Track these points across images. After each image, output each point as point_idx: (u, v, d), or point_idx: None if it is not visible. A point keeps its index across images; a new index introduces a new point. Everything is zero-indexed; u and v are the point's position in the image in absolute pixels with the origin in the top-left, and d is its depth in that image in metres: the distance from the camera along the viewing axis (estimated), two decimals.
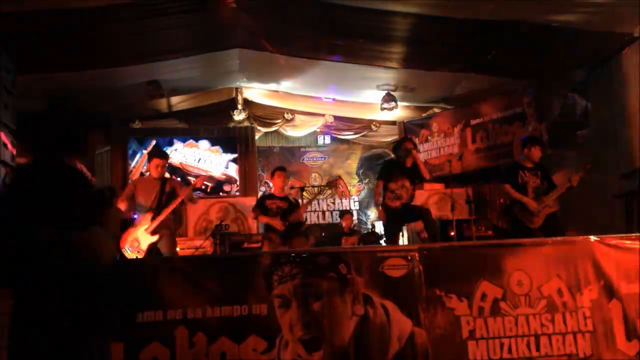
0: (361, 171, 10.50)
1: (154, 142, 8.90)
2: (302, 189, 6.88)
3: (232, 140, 9.41)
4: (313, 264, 3.33)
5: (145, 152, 8.64)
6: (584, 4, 5.28)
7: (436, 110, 9.11)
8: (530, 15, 5.50)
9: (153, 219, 4.91)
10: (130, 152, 8.97)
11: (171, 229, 5.13)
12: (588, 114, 6.50)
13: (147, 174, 5.36)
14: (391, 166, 5.72)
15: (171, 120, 9.54)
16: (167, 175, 5.46)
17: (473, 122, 8.21)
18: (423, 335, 3.29)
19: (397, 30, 6.15)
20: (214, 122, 9.68)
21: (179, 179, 5.37)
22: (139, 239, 4.90)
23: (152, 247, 4.89)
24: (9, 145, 5.76)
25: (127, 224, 5.26)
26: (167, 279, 3.22)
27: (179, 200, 5.00)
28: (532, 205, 4.99)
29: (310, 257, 3.37)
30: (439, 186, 8.72)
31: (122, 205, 5.07)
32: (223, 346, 3.13)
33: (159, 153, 5.42)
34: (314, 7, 5.85)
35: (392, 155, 5.74)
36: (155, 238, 4.90)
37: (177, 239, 5.70)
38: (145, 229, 4.90)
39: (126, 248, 4.92)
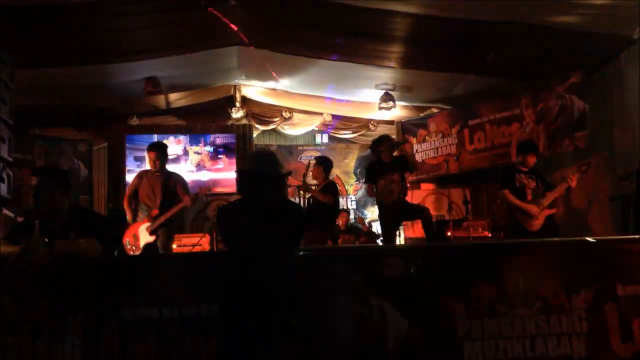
0: (358, 170, 10.49)
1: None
2: (299, 187, 6.86)
3: (229, 137, 9.38)
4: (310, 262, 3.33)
5: None
6: (583, 5, 5.29)
7: (434, 110, 9.10)
8: (529, 16, 5.50)
9: (155, 219, 5.07)
10: None
11: (169, 227, 5.22)
12: (586, 115, 6.51)
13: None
14: (373, 166, 5.72)
15: (169, 117, 9.52)
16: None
17: (471, 122, 8.21)
18: (419, 335, 3.29)
19: (396, 30, 6.14)
20: (212, 120, 9.66)
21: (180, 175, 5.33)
22: (139, 236, 5.09)
23: (149, 246, 5.05)
24: (7, 140, 5.73)
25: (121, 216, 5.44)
26: None
27: (180, 206, 5.17)
28: (534, 209, 4.98)
29: (307, 255, 3.37)
30: (432, 186, 8.77)
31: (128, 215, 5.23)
32: None
33: (152, 146, 5.40)
34: (313, 5, 5.84)
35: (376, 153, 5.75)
36: (152, 238, 5.08)
37: (175, 235, 5.77)
38: (147, 228, 5.09)
39: (127, 242, 5.14)
